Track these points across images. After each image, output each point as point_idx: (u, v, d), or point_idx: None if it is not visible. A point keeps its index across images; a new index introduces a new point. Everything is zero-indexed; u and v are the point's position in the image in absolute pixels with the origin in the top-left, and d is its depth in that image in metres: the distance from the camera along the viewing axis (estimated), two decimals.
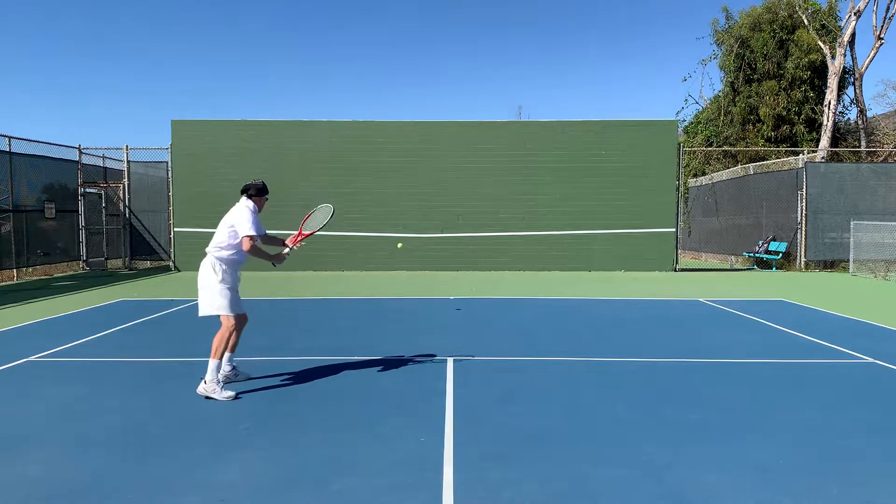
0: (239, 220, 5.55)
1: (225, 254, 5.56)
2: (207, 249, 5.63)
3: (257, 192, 5.75)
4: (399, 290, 13.67)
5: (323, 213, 6.36)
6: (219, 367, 5.51)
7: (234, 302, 5.61)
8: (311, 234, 6.24)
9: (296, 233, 6.13)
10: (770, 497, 3.61)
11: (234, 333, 5.64)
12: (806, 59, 25.12)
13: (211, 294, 5.53)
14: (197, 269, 5.75)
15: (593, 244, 18.13)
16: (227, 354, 5.75)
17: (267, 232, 5.79)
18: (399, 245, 7.81)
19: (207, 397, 5.40)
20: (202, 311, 5.62)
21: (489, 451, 4.27)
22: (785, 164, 21.64)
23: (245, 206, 5.66)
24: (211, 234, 5.74)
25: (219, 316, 5.56)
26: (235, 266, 5.69)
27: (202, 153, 18.11)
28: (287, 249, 6.03)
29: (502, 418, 4.97)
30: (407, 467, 4.00)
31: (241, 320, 5.74)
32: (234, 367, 5.96)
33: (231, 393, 5.46)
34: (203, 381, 5.46)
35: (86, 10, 64.28)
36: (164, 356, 7.20)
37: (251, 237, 5.51)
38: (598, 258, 18.13)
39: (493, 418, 4.97)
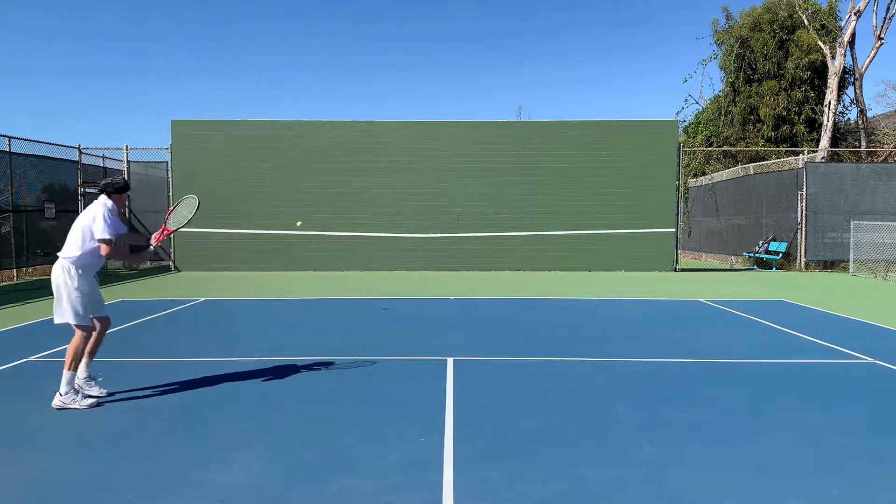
0: (95, 221, 5.18)
1: (79, 258, 5.18)
2: (60, 254, 5.24)
3: (116, 190, 5.37)
4: (399, 290, 13.67)
5: (187, 207, 6.03)
6: (73, 379, 5.18)
7: (89, 308, 5.26)
8: (176, 230, 5.97)
9: (160, 230, 5.87)
10: (770, 497, 3.61)
11: (91, 341, 5.36)
12: (806, 59, 25.12)
13: (65, 302, 5.15)
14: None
15: (593, 244, 18.13)
16: (85, 360, 5.38)
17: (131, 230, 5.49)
18: (298, 223, 7.39)
19: (64, 408, 5.08)
20: (56, 320, 5.25)
21: (489, 451, 4.27)
22: (785, 164, 21.64)
23: (103, 204, 5.29)
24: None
25: (72, 325, 5.21)
26: (91, 270, 5.32)
27: (202, 153, 18.10)
28: (150, 248, 5.72)
29: (502, 418, 4.97)
30: (407, 467, 4.00)
31: (103, 325, 5.50)
32: (89, 376, 5.45)
33: (92, 400, 5.21)
34: (58, 394, 5.12)
35: (86, 10, 64.31)
36: (163, 356, 7.20)
37: (108, 241, 5.20)
38: (598, 258, 18.12)
39: (493, 418, 4.97)
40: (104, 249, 5.25)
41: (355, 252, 18.11)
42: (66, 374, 5.15)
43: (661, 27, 66.12)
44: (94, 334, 5.42)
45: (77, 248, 5.19)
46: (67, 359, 5.17)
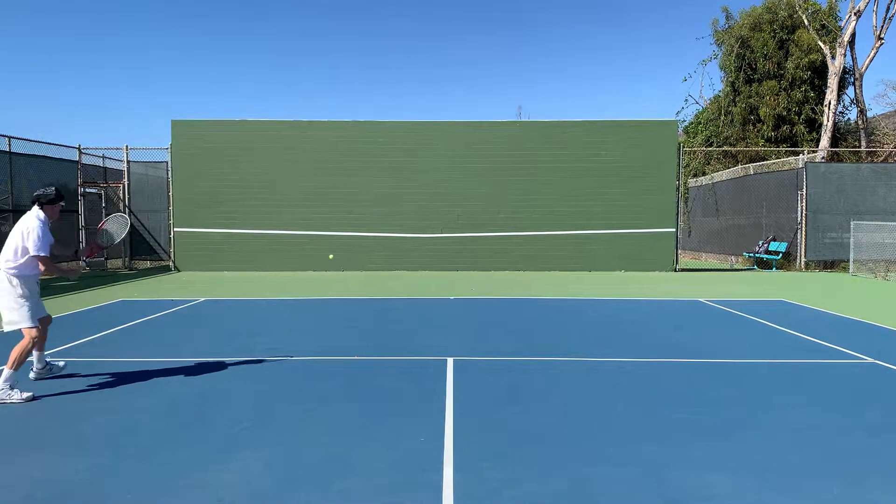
0: (29, 236, 5.33)
1: (18, 268, 5.39)
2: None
3: (49, 201, 5.53)
4: (399, 290, 13.67)
5: (118, 224, 6.23)
6: (12, 377, 5.34)
7: (34, 310, 5.51)
8: (107, 246, 6.17)
9: (89, 246, 6.16)
10: (770, 497, 3.61)
11: (38, 341, 5.61)
12: (806, 59, 25.13)
13: (10, 309, 5.41)
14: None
15: (593, 244, 18.13)
16: (37, 353, 5.80)
17: (58, 246, 5.72)
18: (330, 257, 7.59)
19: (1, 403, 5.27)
20: (6, 328, 5.50)
21: (489, 451, 4.27)
22: (785, 164, 21.63)
23: (35, 216, 5.44)
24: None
25: (24, 329, 5.47)
26: (32, 279, 5.51)
27: (202, 153, 18.09)
28: (82, 265, 5.91)
29: (502, 418, 4.97)
30: (407, 467, 4.00)
31: (44, 323, 5.75)
32: (46, 364, 5.97)
33: (29, 393, 5.37)
34: None
35: (86, 10, 64.30)
36: (163, 356, 7.19)
37: (43, 258, 5.36)
38: (598, 258, 18.13)
39: (493, 418, 4.97)
40: (40, 266, 5.45)
41: (355, 252, 18.10)
42: (6, 372, 5.33)
43: (661, 27, 66.16)
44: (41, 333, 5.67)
45: (15, 262, 5.37)
46: (12, 359, 5.35)
